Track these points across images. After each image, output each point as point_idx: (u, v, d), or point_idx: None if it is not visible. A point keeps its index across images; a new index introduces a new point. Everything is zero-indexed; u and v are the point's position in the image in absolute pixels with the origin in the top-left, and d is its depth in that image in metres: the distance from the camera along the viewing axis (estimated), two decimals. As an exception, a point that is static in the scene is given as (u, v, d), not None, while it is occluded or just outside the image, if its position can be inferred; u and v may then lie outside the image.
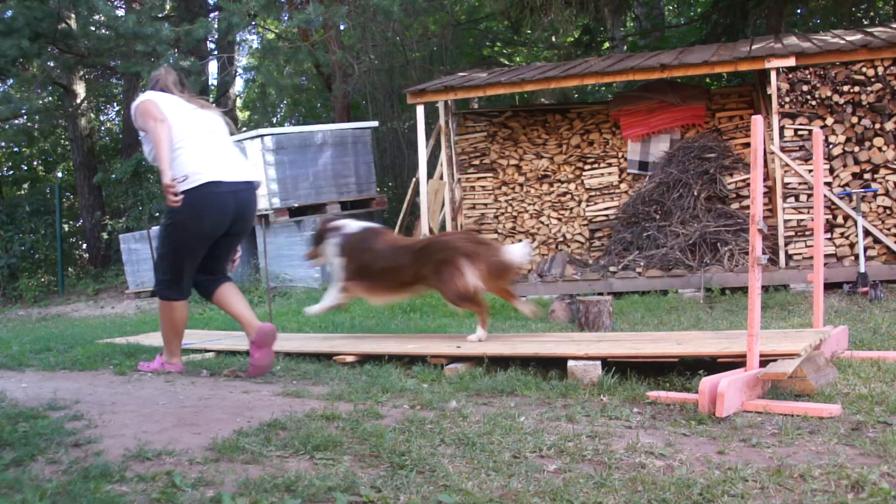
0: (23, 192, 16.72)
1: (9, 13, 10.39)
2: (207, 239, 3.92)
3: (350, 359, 4.16)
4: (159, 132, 3.69)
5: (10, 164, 17.94)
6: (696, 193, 7.94)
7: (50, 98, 15.72)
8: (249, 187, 4.00)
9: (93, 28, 11.08)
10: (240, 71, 17.05)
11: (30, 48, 10.40)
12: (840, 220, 7.14)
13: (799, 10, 13.46)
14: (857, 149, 7.18)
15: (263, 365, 3.96)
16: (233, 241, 4.10)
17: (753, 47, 7.98)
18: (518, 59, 15.41)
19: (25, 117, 15.55)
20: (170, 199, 3.65)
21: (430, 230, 8.45)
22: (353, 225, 4.82)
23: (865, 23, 12.67)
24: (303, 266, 9.09)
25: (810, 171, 7.02)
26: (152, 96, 3.91)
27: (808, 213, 7.19)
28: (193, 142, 3.85)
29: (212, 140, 3.93)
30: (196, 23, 10.66)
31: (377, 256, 4.58)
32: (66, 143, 15.97)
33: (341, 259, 4.68)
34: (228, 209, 3.87)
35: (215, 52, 13.91)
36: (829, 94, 7.20)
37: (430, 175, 9.03)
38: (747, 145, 8.17)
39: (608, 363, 3.50)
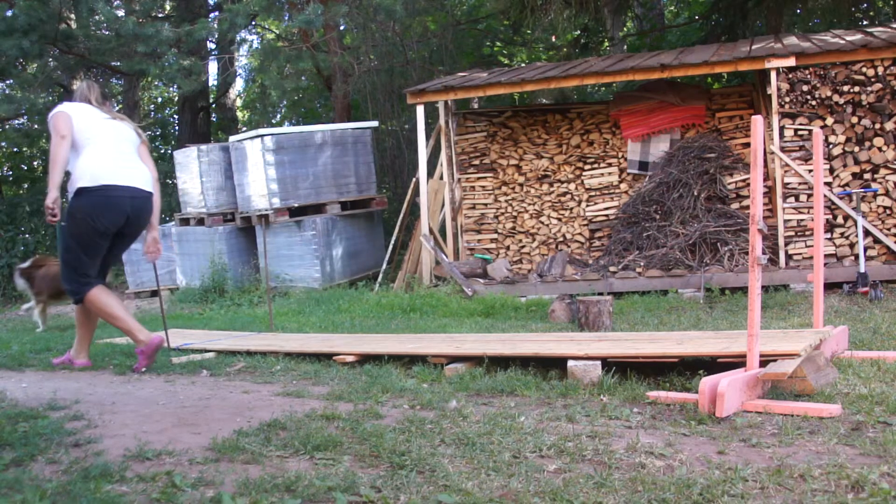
0: (23, 192, 16.72)
1: (9, 12, 10.39)
2: (104, 236, 4.10)
3: (350, 359, 4.16)
4: (57, 149, 3.96)
5: (10, 164, 17.94)
6: (696, 193, 7.94)
7: (51, 98, 15.72)
8: (146, 196, 4.22)
9: (94, 29, 11.09)
10: (240, 72, 17.05)
11: (30, 48, 10.40)
12: (840, 220, 7.14)
13: (799, 10, 13.46)
14: (857, 149, 7.18)
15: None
16: (123, 242, 4.30)
17: (753, 47, 7.98)
18: (518, 59, 15.41)
19: (26, 117, 15.55)
20: (48, 218, 3.91)
21: (430, 230, 8.46)
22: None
23: (865, 23, 12.67)
24: (303, 266, 9.10)
25: (810, 171, 7.02)
26: (67, 108, 4.14)
27: (808, 213, 7.19)
28: (99, 146, 4.08)
29: (117, 148, 4.16)
30: (197, 23, 10.66)
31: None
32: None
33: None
34: (124, 210, 4.09)
35: (215, 52, 13.92)
36: (829, 94, 7.20)
37: (430, 175, 9.03)
38: (747, 145, 8.17)
39: (608, 363, 3.50)
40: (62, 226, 4.14)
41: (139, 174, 4.23)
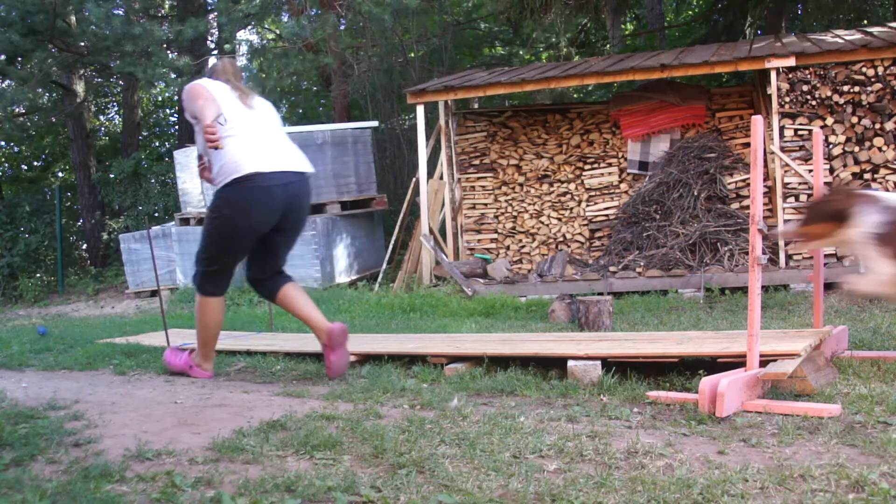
0: (22, 192, 16.73)
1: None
2: (253, 235, 3.70)
3: (350, 358, 4.16)
4: (207, 107, 3.47)
5: (10, 164, 17.94)
6: (696, 193, 7.94)
7: (52, 95, 15.72)
8: (301, 178, 3.75)
9: (93, 27, 11.07)
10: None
11: (21, 42, 10.36)
12: (840, 220, 7.13)
13: (799, 10, 13.47)
14: (857, 149, 7.18)
15: (340, 366, 3.76)
16: (288, 236, 3.87)
17: (753, 47, 7.99)
18: (518, 59, 15.42)
19: (25, 117, 15.55)
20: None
21: (430, 230, 8.46)
22: None
23: (865, 23, 12.68)
24: (302, 266, 9.09)
25: (810, 171, 7.02)
26: (204, 81, 3.74)
27: (808, 213, 7.18)
28: (241, 132, 3.63)
29: (261, 130, 3.72)
30: (186, 23, 10.65)
31: None
32: (66, 142, 16.00)
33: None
34: (277, 204, 3.63)
35: (215, 52, 13.92)
36: (829, 94, 7.20)
37: (430, 175, 9.03)
38: (747, 145, 8.18)
39: (608, 363, 3.50)
40: (206, 213, 3.72)
41: (290, 154, 3.75)
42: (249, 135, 3.65)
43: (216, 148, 3.39)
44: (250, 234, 3.69)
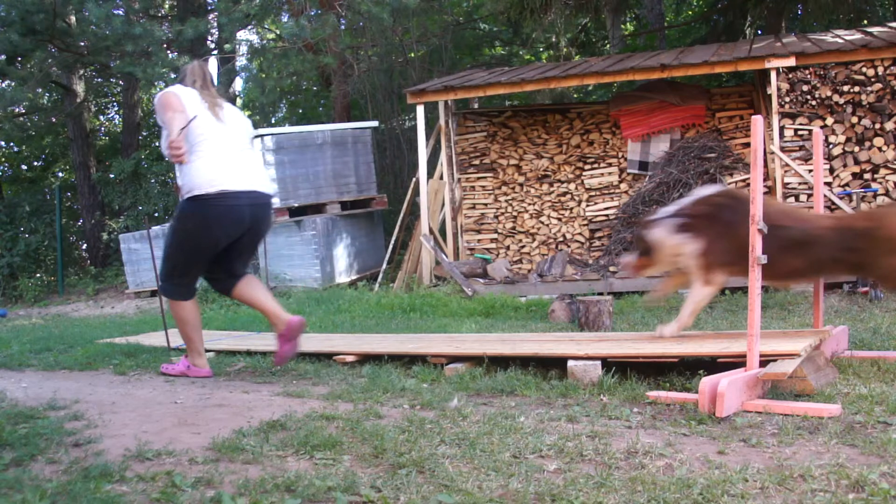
0: (22, 192, 16.73)
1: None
2: (216, 247, 3.82)
3: (350, 359, 4.16)
4: (172, 122, 3.54)
5: (10, 163, 17.94)
6: (696, 193, 7.94)
7: (52, 96, 15.70)
8: (266, 200, 3.92)
9: (93, 27, 11.06)
10: (241, 72, 17.04)
11: (21, 42, 10.36)
12: (840, 220, 7.14)
13: (799, 10, 13.47)
14: (857, 149, 7.19)
15: (289, 356, 3.95)
16: (244, 251, 4.00)
17: (753, 47, 7.99)
18: (518, 59, 15.42)
19: (25, 117, 15.54)
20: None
21: (430, 230, 8.46)
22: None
23: (865, 23, 12.68)
24: (303, 266, 9.10)
25: (810, 171, 7.02)
26: (176, 89, 3.79)
27: (808, 213, 7.19)
28: (208, 147, 3.70)
29: (228, 146, 3.79)
30: (186, 23, 10.65)
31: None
32: (66, 142, 15.99)
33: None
34: (243, 220, 3.77)
35: (215, 52, 13.92)
36: (829, 94, 7.20)
37: (430, 175, 9.03)
38: (747, 145, 8.18)
39: (608, 363, 3.50)
40: (171, 223, 3.85)
41: (256, 175, 3.87)
42: (216, 151, 3.74)
43: (179, 163, 3.50)
44: (213, 246, 3.83)
